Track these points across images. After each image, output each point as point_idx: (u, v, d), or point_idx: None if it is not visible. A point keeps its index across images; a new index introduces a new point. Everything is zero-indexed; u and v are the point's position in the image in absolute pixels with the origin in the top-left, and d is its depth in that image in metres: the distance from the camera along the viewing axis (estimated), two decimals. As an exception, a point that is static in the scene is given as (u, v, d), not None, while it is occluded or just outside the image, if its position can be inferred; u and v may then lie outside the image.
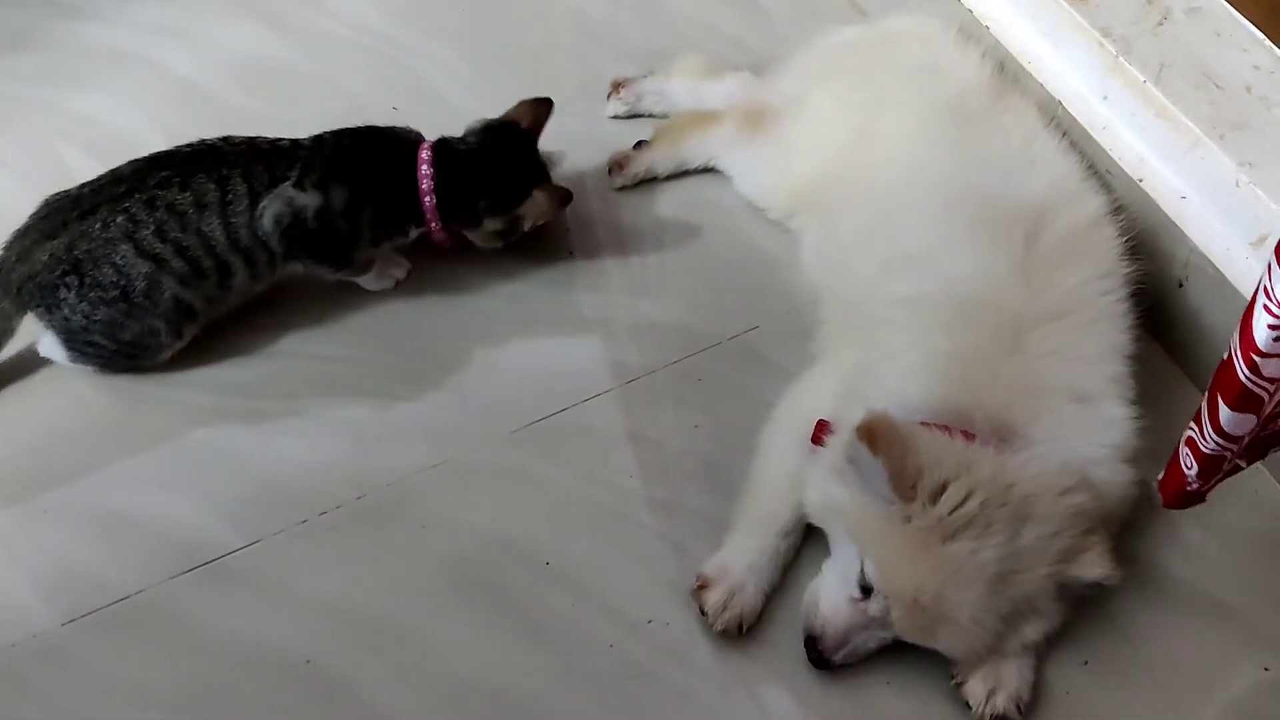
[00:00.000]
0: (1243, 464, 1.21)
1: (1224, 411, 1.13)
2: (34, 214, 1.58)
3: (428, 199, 1.64)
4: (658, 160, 1.87)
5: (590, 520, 1.53)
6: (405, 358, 1.68)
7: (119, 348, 1.58)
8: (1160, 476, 1.28)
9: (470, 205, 1.66)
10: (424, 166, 1.64)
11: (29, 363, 1.64)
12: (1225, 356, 1.12)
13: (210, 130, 1.64)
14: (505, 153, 1.69)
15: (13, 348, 1.62)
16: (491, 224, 1.67)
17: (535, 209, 1.67)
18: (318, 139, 1.64)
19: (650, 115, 1.95)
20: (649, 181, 1.88)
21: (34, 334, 1.62)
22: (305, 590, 1.46)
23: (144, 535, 1.50)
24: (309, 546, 1.49)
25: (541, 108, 1.72)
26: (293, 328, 1.69)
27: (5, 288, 1.55)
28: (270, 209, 1.56)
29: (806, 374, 1.59)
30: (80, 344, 1.58)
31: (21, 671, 1.39)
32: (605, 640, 1.43)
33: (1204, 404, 1.17)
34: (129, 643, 1.42)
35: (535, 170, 1.70)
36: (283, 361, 1.66)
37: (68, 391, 1.62)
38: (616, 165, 1.87)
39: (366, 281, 1.71)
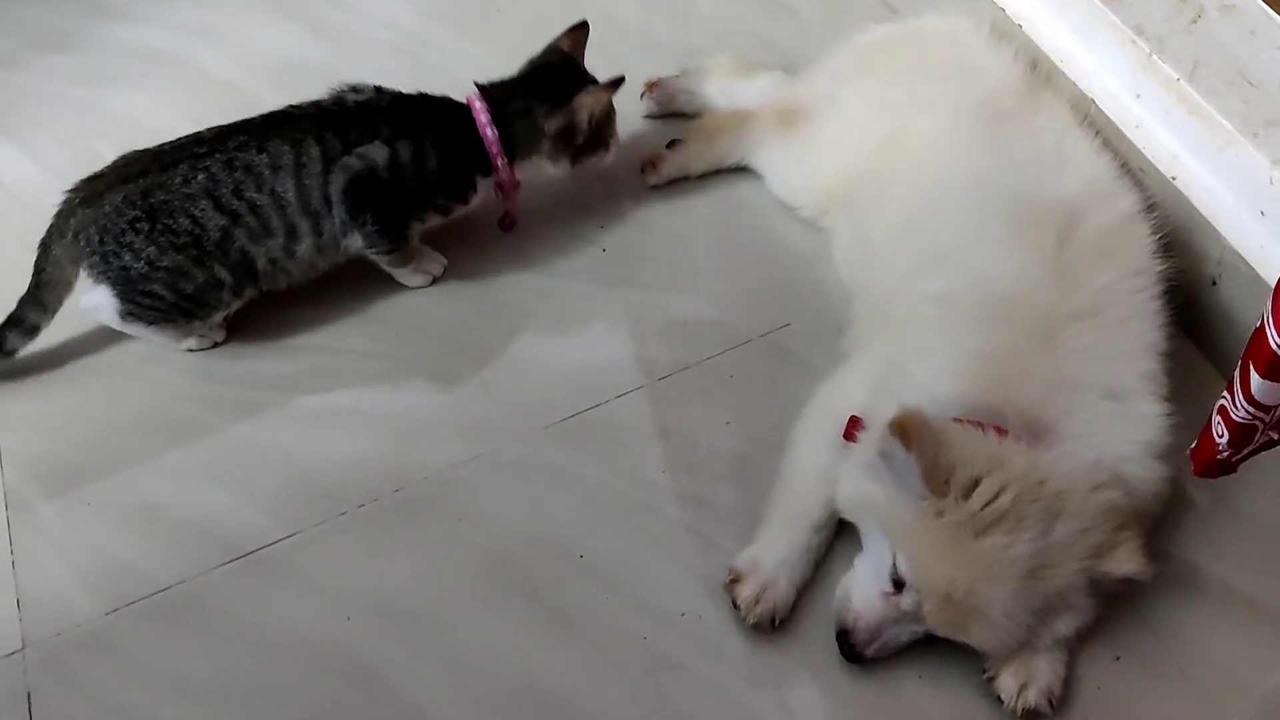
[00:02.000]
0: (1276, 436, 1.21)
1: (1255, 380, 1.13)
2: (111, 164, 1.62)
3: (489, 132, 1.67)
4: (691, 159, 1.88)
5: (623, 515, 1.54)
6: (440, 353, 1.70)
7: (178, 300, 1.60)
8: (1192, 445, 1.28)
9: (528, 116, 1.68)
10: (477, 103, 1.68)
11: (72, 358, 1.67)
12: (1258, 325, 1.12)
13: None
14: (551, 68, 1.73)
15: (53, 344, 1.66)
16: (552, 124, 1.68)
17: (590, 98, 1.68)
18: (378, 89, 1.68)
19: (682, 115, 1.97)
20: (682, 180, 1.89)
21: (75, 327, 1.65)
22: (343, 582, 1.48)
23: (185, 527, 1.53)
24: (347, 539, 1.52)
25: (579, 32, 1.75)
26: (330, 324, 1.71)
27: (62, 232, 1.58)
28: (341, 172, 1.60)
29: (838, 371, 1.60)
30: (136, 295, 1.59)
31: (65, 660, 1.42)
32: (638, 633, 1.45)
33: (1237, 372, 1.17)
34: (170, 633, 1.45)
35: (583, 75, 1.73)
36: (320, 357, 1.69)
37: (110, 386, 1.65)
38: (650, 164, 1.88)
39: (405, 276, 1.74)
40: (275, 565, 1.49)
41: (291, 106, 1.65)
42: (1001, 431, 1.35)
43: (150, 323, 1.63)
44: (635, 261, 1.81)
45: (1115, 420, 1.40)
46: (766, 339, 1.72)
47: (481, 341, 1.71)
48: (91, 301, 1.63)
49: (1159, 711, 1.41)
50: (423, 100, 1.70)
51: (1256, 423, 1.17)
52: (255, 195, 1.58)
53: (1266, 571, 1.50)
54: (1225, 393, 1.20)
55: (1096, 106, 1.73)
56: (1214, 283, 1.62)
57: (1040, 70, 1.78)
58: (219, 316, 1.65)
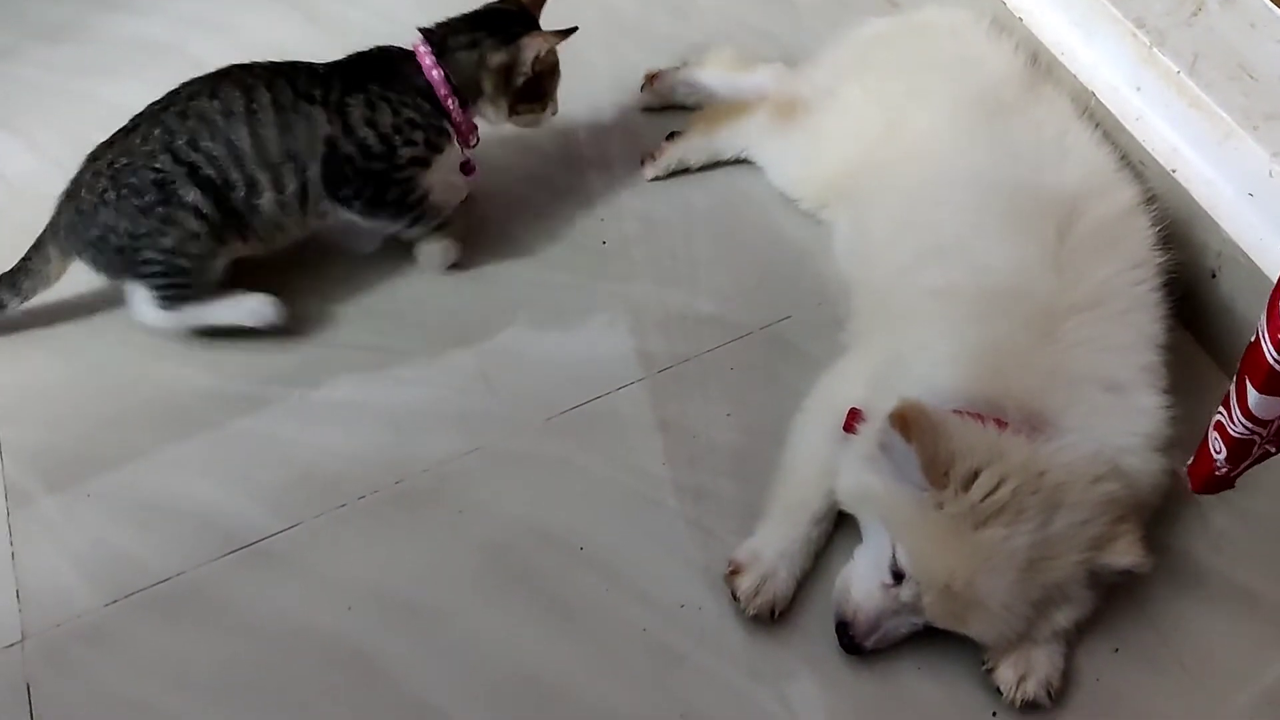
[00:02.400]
0: (1273, 450, 1.21)
1: (1252, 395, 1.13)
2: (89, 155, 1.63)
3: (434, 74, 1.64)
4: (690, 151, 1.88)
5: (623, 507, 1.54)
6: (440, 346, 1.70)
7: (167, 260, 1.58)
8: (1189, 461, 1.28)
9: (472, 49, 1.65)
10: (420, 47, 1.65)
11: (72, 350, 1.67)
12: (1253, 339, 1.12)
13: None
14: (503, 12, 1.69)
15: (55, 336, 1.66)
16: (494, 58, 1.64)
17: (539, 39, 1.65)
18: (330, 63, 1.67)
19: (682, 107, 1.96)
20: (681, 172, 1.89)
21: (75, 320, 1.66)
22: (343, 574, 1.48)
23: (185, 519, 1.53)
24: (347, 531, 1.52)
25: None
26: (329, 317, 1.71)
27: (54, 229, 1.61)
28: (312, 153, 1.60)
29: (838, 363, 1.60)
30: (144, 271, 1.59)
31: (65, 651, 1.42)
32: (638, 625, 1.45)
33: (1232, 387, 1.17)
34: (170, 625, 1.44)
35: (537, 26, 1.69)
36: (320, 350, 1.69)
37: (110, 378, 1.65)
38: (649, 155, 1.88)
39: (423, 259, 1.74)
40: (276, 557, 1.49)
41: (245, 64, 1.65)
42: (1001, 423, 1.35)
43: (174, 297, 1.62)
44: (635, 254, 1.81)
45: (1115, 412, 1.40)
46: (766, 331, 1.72)
47: (482, 334, 1.71)
48: (139, 315, 1.64)
49: (1157, 704, 1.41)
50: (368, 53, 1.68)
51: (1254, 437, 1.17)
52: (210, 145, 1.57)
53: (1266, 564, 1.51)
54: (1221, 409, 1.20)
55: (1097, 99, 1.73)
56: (1213, 275, 1.63)
57: (1040, 63, 1.78)
58: (218, 267, 1.63)
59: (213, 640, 1.44)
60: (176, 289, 1.61)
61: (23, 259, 1.63)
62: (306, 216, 1.65)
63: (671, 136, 1.89)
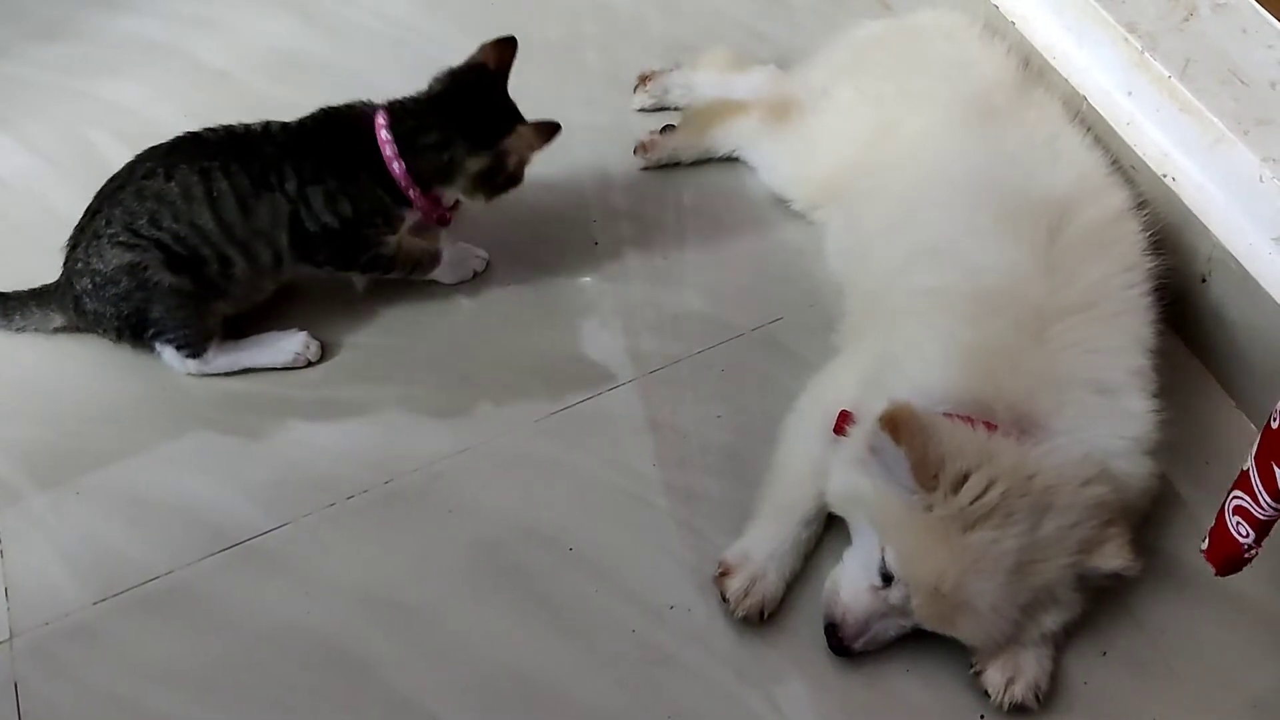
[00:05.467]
0: None
1: None
2: (68, 240, 1.61)
3: (395, 166, 1.57)
4: (682, 146, 1.89)
5: (613, 507, 1.54)
6: (431, 346, 1.70)
7: (163, 323, 1.58)
8: (1204, 546, 1.26)
9: (442, 150, 1.58)
10: (383, 133, 1.57)
11: (62, 348, 1.67)
12: (1275, 425, 1.11)
13: (241, 118, 1.64)
14: (471, 91, 1.60)
15: (45, 334, 1.66)
16: (474, 163, 1.58)
17: (521, 142, 1.58)
18: (285, 128, 1.61)
19: (676, 108, 1.97)
20: (674, 171, 1.89)
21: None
22: (332, 572, 1.48)
23: (175, 517, 1.52)
24: (337, 530, 1.52)
25: (506, 47, 1.62)
26: (321, 317, 1.71)
27: (63, 307, 1.61)
28: (280, 228, 1.57)
29: (829, 365, 1.60)
30: (143, 335, 1.59)
31: (53, 650, 1.42)
32: (627, 625, 1.45)
33: (1253, 472, 1.15)
34: (159, 622, 1.44)
35: (509, 107, 1.61)
36: (311, 349, 1.69)
37: (103, 377, 1.65)
38: (642, 147, 1.89)
39: (441, 274, 1.73)
40: (264, 555, 1.49)
41: (207, 130, 1.61)
42: (991, 426, 1.36)
43: (205, 349, 1.61)
44: (627, 255, 1.81)
45: (1105, 416, 1.40)
46: (758, 333, 1.72)
47: (472, 334, 1.71)
48: (175, 368, 1.63)
49: (1146, 708, 1.41)
50: (325, 124, 1.61)
51: (1278, 513, 1.17)
52: (174, 225, 1.54)
53: (1254, 569, 1.48)
54: (1239, 493, 1.18)
55: (1088, 103, 1.74)
56: (1204, 280, 1.63)
57: (1033, 67, 1.79)
58: (208, 328, 1.62)
59: (201, 638, 1.43)
60: (189, 344, 1.61)
61: (23, 301, 1.63)
62: (284, 274, 1.64)
63: (665, 129, 1.90)
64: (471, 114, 1.59)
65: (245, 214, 1.55)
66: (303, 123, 1.62)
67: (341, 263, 1.65)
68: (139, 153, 1.61)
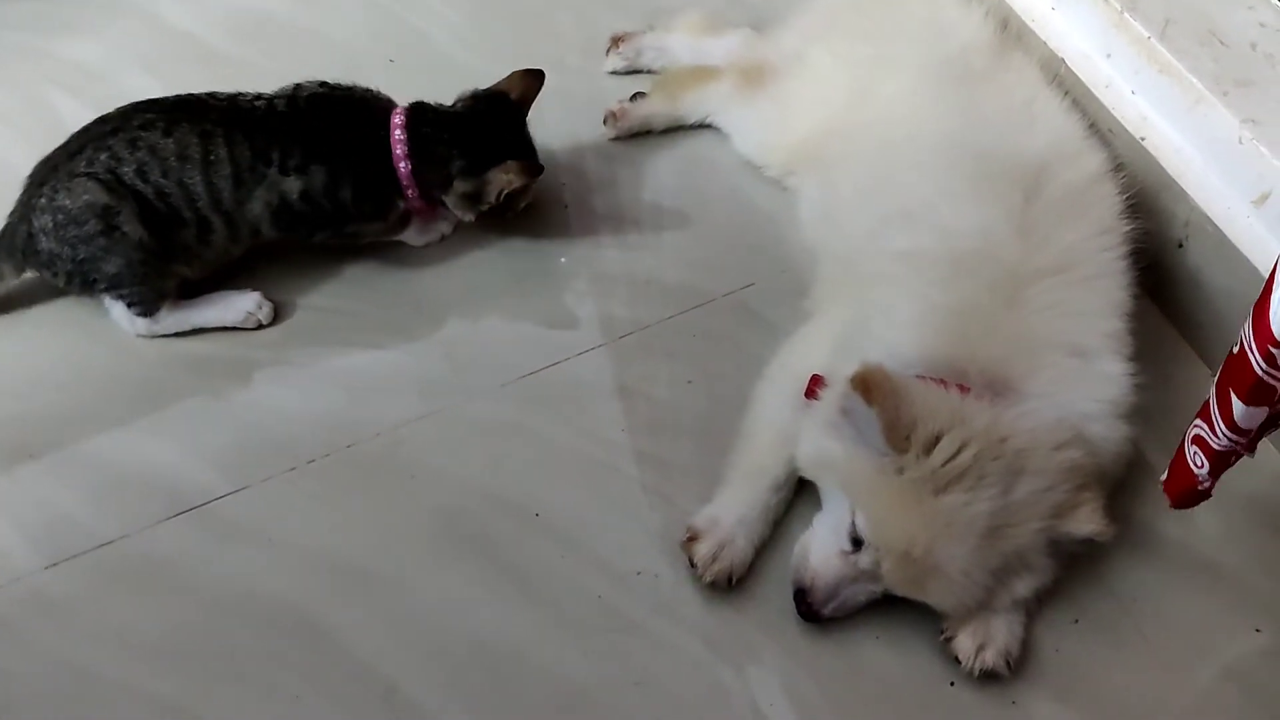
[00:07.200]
0: (1245, 453, 1.19)
1: (1238, 406, 1.10)
2: (29, 174, 1.57)
3: (402, 165, 1.61)
4: (654, 114, 1.86)
5: (580, 473, 1.52)
6: (397, 309, 1.67)
7: (118, 279, 1.55)
8: (1163, 478, 1.25)
9: (444, 164, 1.62)
10: (397, 132, 1.61)
11: (17, 312, 1.63)
12: (1235, 350, 1.09)
13: (205, 80, 1.63)
14: (489, 118, 1.65)
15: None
16: (460, 185, 1.63)
17: (503, 176, 1.62)
18: (291, 101, 1.60)
19: (649, 71, 1.95)
20: (645, 137, 1.86)
21: (20, 283, 1.62)
22: (292, 537, 1.45)
23: (131, 481, 1.49)
24: (297, 494, 1.48)
25: (533, 79, 1.68)
26: (284, 278, 1.67)
27: (11, 250, 1.56)
28: (259, 198, 1.56)
29: (801, 330, 1.58)
30: (94, 286, 1.56)
31: (5, 616, 1.38)
32: (594, 591, 1.42)
33: (1212, 400, 1.14)
34: (114, 587, 1.41)
35: (517, 141, 1.66)
36: (271, 311, 1.65)
37: (57, 340, 1.61)
38: (612, 116, 1.85)
39: (409, 237, 1.71)
40: (222, 520, 1.46)
41: (209, 94, 1.60)
42: (964, 388, 1.34)
43: (157, 307, 1.58)
44: (598, 219, 1.78)
45: (1079, 379, 1.39)
46: (730, 298, 1.69)
47: (439, 298, 1.68)
48: (122, 326, 1.60)
49: (1117, 675, 1.40)
50: (341, 107, 1.62)
51: (1235, 447, 1.15)
52: (162, 181, 1.52)
53: (1226, 536, 1.50)
54: (1199, 422, 1.17)
55: (1066, 66, 1.72)
56: (1180, 245, 1.61)
57: (1010, 29, 1.77)
58: (167, 288, 1.59)
59: (157, 604, 1.40)
60: (142, 302, 1.57)
61: None
62: (255, 240, 1.62)
63: (635, 98, 1.86)
64: (477, 139, 1.63)
65: (238, 185, 1.55)
66: (310, 99, 1.61)
67: (322, 241, 1.65)
68: (135, 102, 1.58)
